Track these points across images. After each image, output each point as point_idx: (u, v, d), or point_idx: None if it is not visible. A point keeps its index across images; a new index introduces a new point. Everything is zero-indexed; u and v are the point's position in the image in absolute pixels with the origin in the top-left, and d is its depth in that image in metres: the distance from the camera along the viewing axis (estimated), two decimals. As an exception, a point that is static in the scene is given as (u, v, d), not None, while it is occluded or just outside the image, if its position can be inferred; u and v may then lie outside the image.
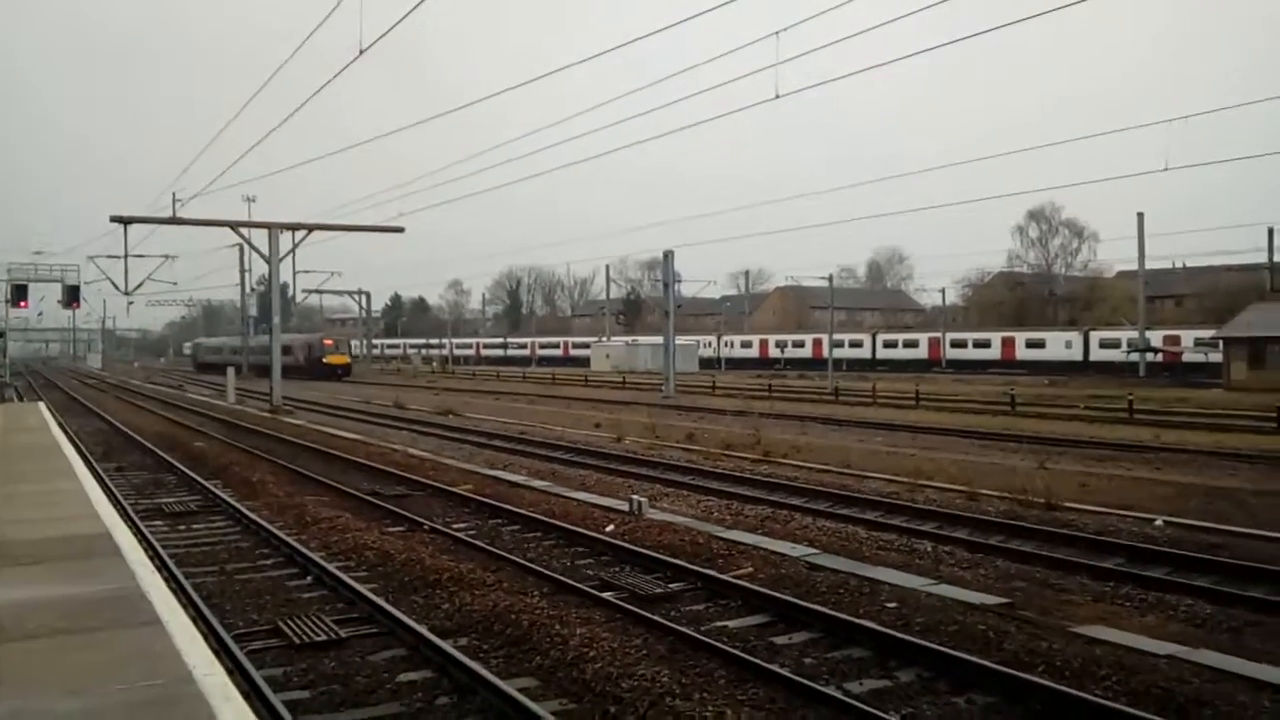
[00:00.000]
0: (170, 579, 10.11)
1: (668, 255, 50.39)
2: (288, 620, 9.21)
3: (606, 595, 9.93)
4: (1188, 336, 63.03)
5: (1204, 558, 11.47)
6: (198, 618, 8.73)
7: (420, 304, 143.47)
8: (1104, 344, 67.90)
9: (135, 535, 10.57)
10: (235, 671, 7.34)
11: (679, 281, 67.42)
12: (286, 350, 75.44)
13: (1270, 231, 62.52)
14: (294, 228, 41.33)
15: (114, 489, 17.09)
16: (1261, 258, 64.60)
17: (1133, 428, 28.67)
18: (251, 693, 6.99)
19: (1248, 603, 9.73)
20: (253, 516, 14.54)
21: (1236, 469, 19.36)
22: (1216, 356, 54.58)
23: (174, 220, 38.72)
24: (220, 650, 7.75)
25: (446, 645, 8.16)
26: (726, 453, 22.52)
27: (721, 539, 12.47)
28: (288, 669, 8.05)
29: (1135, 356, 62.11)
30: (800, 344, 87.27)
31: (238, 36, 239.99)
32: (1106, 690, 7.08)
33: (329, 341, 77.98)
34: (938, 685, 7.48)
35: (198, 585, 10.55)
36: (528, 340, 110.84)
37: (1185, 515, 14.15)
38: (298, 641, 8.63)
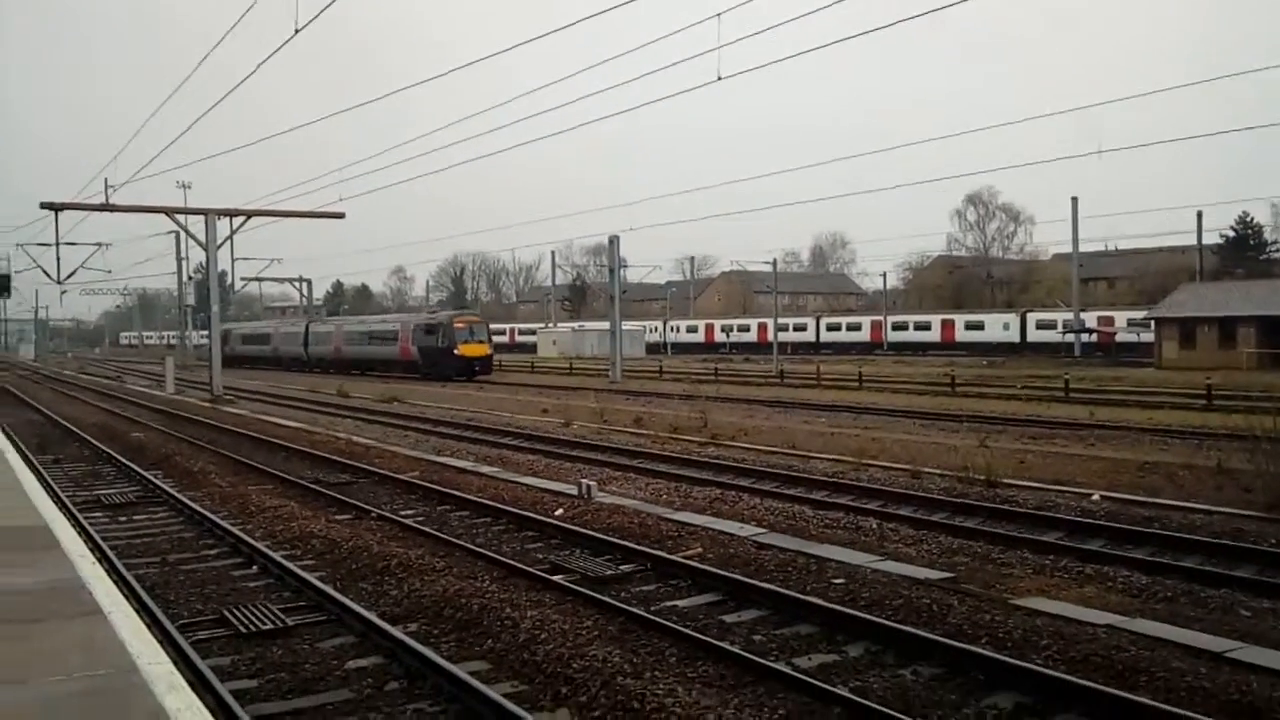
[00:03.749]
0: (111, 570, 9.93)
1: (613, 240, 50.42)
2: (233, 610, 9.09)
3: (557, 578, 9.94)
4: (1121, 317, 64.58)
5: (1139, 530, 11.80)
6: (141, 609, 8.59)
7: (364, 291, 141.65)
8: (1040, 325, 69.35)
9: (74, 527, 10.37)
10: (180, 662, 7.23)
11: (625, 267, 67.35)
12: (388, 337, 58.33)
13: (1199, 215, 64.23)
14: (231, 214, 40.61)
15: (51, 481, 16.69)
16: (1191, 240, 66.34)
17: (1068, 406, 29.32)
18: (197, 682, 6.89)
19: (1181, 572, 10.03)
20: (195, 507, 14.30)
21: (1168, 444, 19.89)
22: (1148, 336, 56.00)
23: (107, 207, 37.86)
24: (164, 641, 7.63)
25: (396, 631, 8.12)
26: (674, 436, 22.62)
27: (671, 520, 12.54)
28: (235, 658, 7.95)
29: (1070, 337, 63.48)
30: (745, 328, 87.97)
31: (170, 18, 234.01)
32: (1047, 659, 7.26)
33: (461, 324, 53.16)
34: (885, 658, 7.61)
35: (140, 576, 10.35)
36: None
37: (1120, 490, 14.53)
38: (244, 630, 8.53)
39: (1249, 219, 76.42)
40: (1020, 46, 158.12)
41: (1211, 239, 70.14)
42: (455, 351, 51.04)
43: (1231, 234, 75.25)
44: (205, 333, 59.52)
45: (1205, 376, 32.43)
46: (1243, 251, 75.45)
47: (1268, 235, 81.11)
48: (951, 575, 9.80)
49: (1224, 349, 48.64)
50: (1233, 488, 14.28)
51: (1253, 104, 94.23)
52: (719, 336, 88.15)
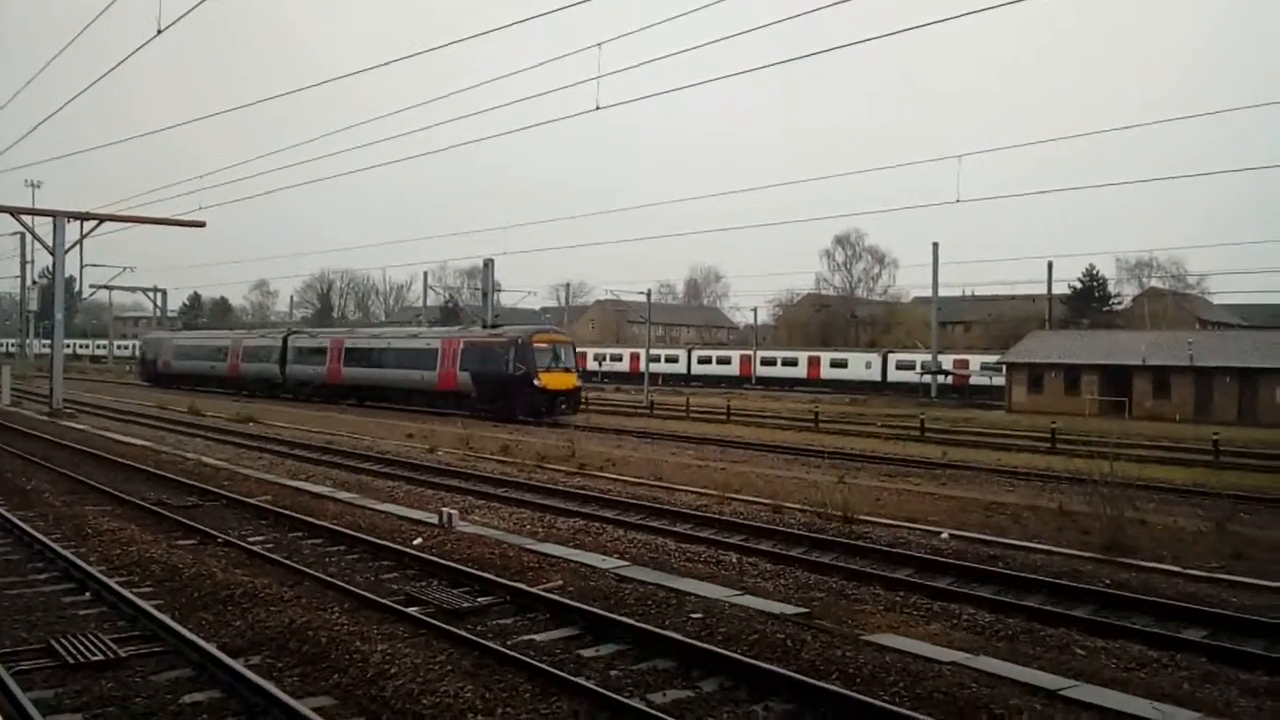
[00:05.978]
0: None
1: (488, 264, 49.97)
2: (61, 639, 8.53)
3: (411, 610, 9.68)
4: (975, 361, 67.42)
5: (984, 569, 12.24)
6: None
7: (222, 304, 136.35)
8: (900, 366, 71.70)
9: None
10: (-4, 696, 6.74)
11: (499, 290, 66.82)
12: (420, 358, 42.74)
13: (1050, 266, 67.77)
14: (82, 217, 38.66)
15: None
16: (1043, 289, 69.88)
17: (923, 445, 30.40)
18: (17, 715, 6.45)
19: (1022, 611, 10.42)
20: (25, 528, 13.41)
21: (1014, 486, 20.79)
22: (1000, 380, 58.61)
23: (-56, 203, 35.53)
24: (-21, 674, 7.11)
25: (236, 664, 7.75)
26: (541, 465, 22.45)
27: (533, 552, 12.39)
28: (59, 690, 7.46)
29: (928, 378, 65.83)
30: (618, 357, 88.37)
31: (26, 8, 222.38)
32: (894, 696, 7.42)
33: (543, 343, 39.52)
34: (738, 694, 7.64)
35: (-44, 603, 9.65)
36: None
37: (968, 528, 15.08)
38: (72, 661, 8.01)
39: (1095, 272, 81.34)
40: (897, 91, 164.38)
41: (1061, 289, 74.18)
42: (535, 383, 37.52)
43: (1079, 285, 79.79)
44: (47, 342, 49.96)
45: (1051, 421, 34.10)
46: (1089, 302, 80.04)
47: (1112, 288, 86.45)
48: (806, 610, 9.95)
49: (1069, 395, 51.27)
50: (1073, 529, 14.97)
51: (1103, 163, 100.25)
52: (591, 365, 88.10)
